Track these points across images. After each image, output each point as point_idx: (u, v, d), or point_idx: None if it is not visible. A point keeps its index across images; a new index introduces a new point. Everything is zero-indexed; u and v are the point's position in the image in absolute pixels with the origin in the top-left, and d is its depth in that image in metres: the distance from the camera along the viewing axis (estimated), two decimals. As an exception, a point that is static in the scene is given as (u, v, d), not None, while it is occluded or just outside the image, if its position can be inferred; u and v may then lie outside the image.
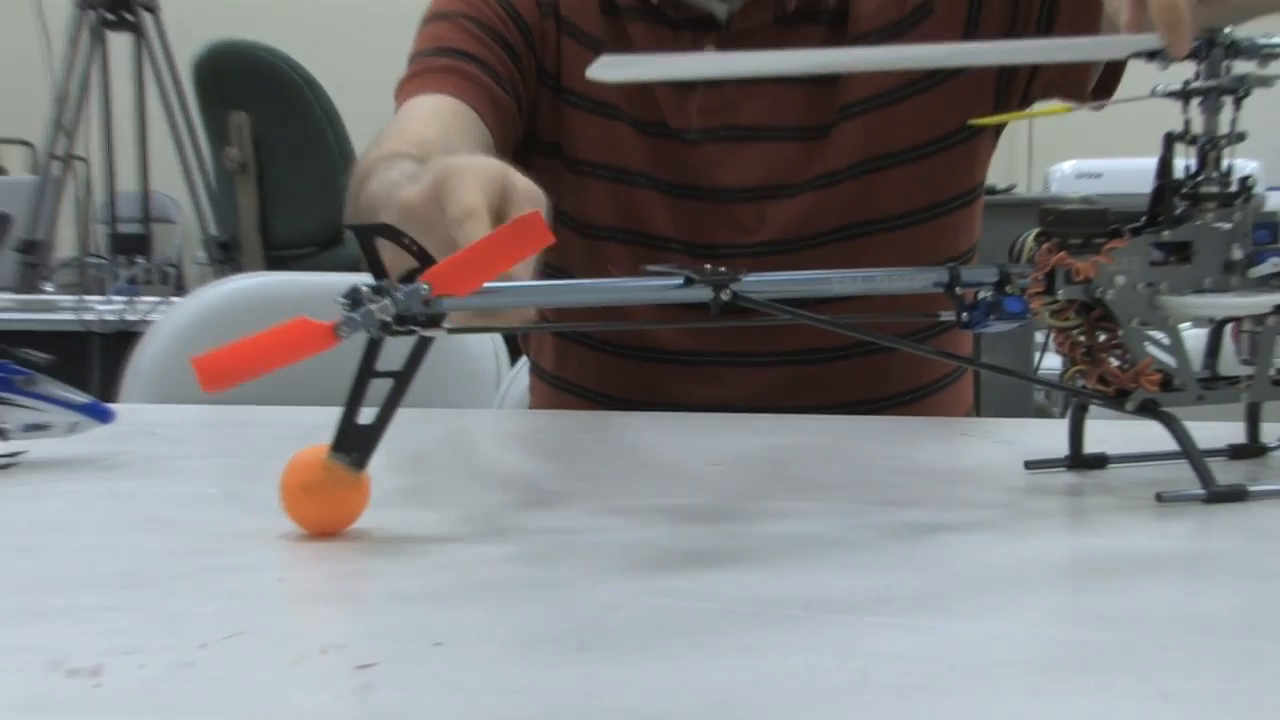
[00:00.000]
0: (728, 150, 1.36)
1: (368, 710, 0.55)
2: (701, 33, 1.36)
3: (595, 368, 1.42)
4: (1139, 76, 0.96)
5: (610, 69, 0.76)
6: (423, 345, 0.78)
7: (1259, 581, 0.74)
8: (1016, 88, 1.37)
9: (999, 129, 1.43)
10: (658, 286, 0.81)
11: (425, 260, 0.77)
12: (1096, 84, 1.32)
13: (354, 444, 0.77)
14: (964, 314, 0.86)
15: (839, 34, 1.35)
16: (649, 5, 1.37)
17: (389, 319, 0.76)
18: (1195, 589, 0.72)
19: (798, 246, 1.34)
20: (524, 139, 1.38)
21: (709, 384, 1.37)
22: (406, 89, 1.33)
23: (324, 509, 0.79)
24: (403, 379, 0.77)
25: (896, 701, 0.55)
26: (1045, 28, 1.31)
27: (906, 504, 0.89)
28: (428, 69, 1.33)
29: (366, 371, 0.77)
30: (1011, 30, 1.32)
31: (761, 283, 0.82)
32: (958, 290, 0.86)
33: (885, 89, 1.34)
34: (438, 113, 1.27)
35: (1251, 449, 0.98)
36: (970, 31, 1.34)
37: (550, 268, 1.35)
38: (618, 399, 1.39)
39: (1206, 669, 0.59)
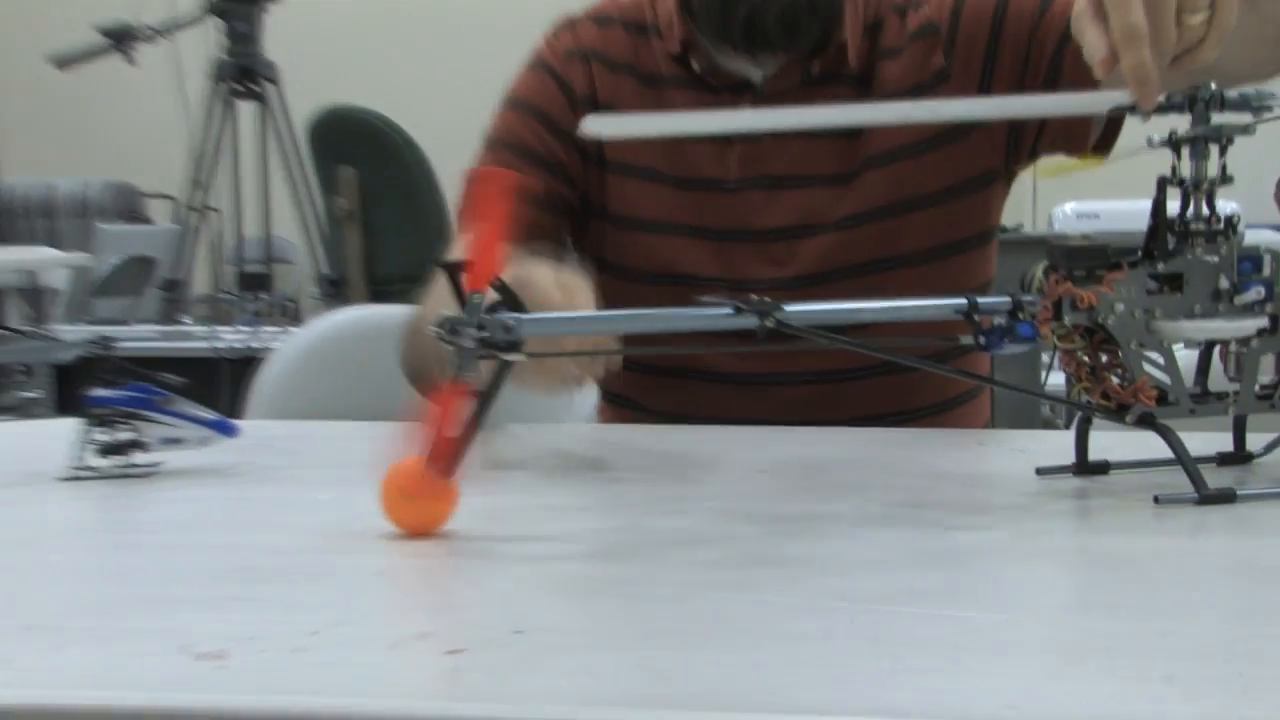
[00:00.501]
0: (764, 196, 1.35)
1: (457, 690, 0.54)
2: (738, 95, 1.35)
3: (648, 388, 1.42)
4: (1133, 126, 0.94)
5: (599, 126, 0.75)
6: (504, 368, 0.77)
7: (1247, 575, 0.73)
8: (1025, 143, 1.36)
9: (1010, 179, 1.41)
10: (710, 315, 0.80)
11: (506, 294, 0.77)
12: (1098, 139, 1.31)
13: (445, 455, 0.77)
14: (981, 338, 0.86)
15: (864, 95, 1.34)
16: (691, 74, 1.37)
17: (475, 345, 0.76)
18: (1190, 581, 0.71)
19: (826, 280, 1.33)
20: (581, 207, 1.39)
21: (749, 401, 1.36)
22: (459, 216, 1.37)
23: (419, 512, 0.79)
24: (486, 398, 0.77)
25: (925, 682, 0.54)
26: (1051, 87, 1.30)
27: (932, 506, 0.88)
28: None
29: (456, 391, 0.76)
30: (1019, 89, 1.31)
31: (801, 312, 0.81)
32: (976, 317, 0.85)
33: (904, 143, 1.33)
34: None
35: (1238, 456, 0.96)
36: (983, 94, 1.33)
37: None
38: (667, 414, 1.39)
39: (1202, 653, 0.58)
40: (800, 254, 1.34)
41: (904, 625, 0.61)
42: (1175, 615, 0.64)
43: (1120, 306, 0.85)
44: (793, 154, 1.34)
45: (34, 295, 5.58)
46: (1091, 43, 0.90)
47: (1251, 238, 0.89)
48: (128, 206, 6.67)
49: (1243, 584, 0.71)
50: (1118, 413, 0.87)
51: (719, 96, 1.35)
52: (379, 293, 3.66)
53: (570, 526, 0.87)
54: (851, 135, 1.33)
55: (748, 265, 1.35)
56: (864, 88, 1.34)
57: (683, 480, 1.00)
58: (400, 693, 0.54)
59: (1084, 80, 1.24)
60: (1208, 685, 0.54)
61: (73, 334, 3.12)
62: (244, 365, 2.64)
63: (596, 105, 1.38)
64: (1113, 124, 1.29)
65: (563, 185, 1.37)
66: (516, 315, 0.76)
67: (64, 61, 3.64)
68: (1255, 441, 0.97)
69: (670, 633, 0.61)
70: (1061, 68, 1.28)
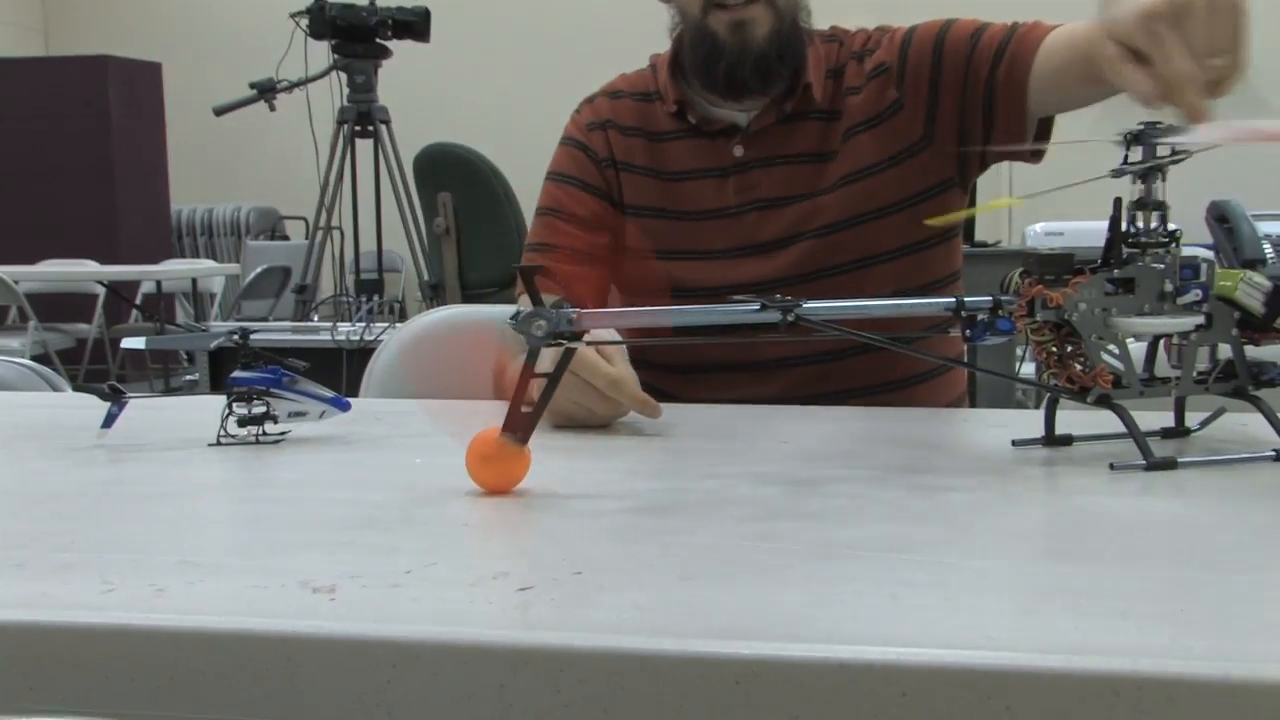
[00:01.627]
0: (759, 215, 1.35)
1: (526, 620, 0.54)
2: (729, 138, 1.37)
3: (682, 383, 1.41)
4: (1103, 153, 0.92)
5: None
6: (568, 354, 0.76)
7: (1187, 528, 0.71)
8: (972, 161, 1.35)
9: (965, 186, 1.39)
10: (740, 311, 0.79)
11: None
12: (1035, 136, 1.29)
13: (519, 425, 0.76)
14: (967, 331, 0.85)
15: (833, 127, 1.34)
16: (688, 125, 1.38)
17: (545, 334, 0.75)
18: (1140, 533, 0.70)
19: (815, 277, 1.34)
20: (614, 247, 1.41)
21: (763, 384, 1.36)
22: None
23: (497, 473, 0.78)
24: (553, 379, 0.76)
25: (919, 617, 0.53)
26: (988, 108, 1.28)
27: (924, 471, 0.86)
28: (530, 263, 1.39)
29: (528, 373, 0.75)
30: (960, 112, 1.29)
31: (817, 309, 0.79)
32: (964, 314, 0.84)
33: (868, 163, 1.33)
34: None
35: (1179, 431, 0.95)
36: (930, 117, 1.32)
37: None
38: (699, 401, 1.38)
39: (1150, 593, 0.57)
40: (789, 257, 1.34)
41: (901, 569, 0.60)
42: (1128, 561, 0.62)
43: (1083, 305, 0.84)
44: (776, 180, 1.35)
45: (197, 298, 5.66)
46: (1140, 87, 0.86)
47: (1188, 253, 0.87)
48: (270, 226, 6.74)
49: (1183, 535, 0.69)
50: (1080, 394, 0.86)
51: (714, 140, 1.39)
52: (470, 296, 3.69)
53: (622, 486, 0.86)
54: (823, 158, 1.34)
55: (744, 271, 1.34)
56: (831, 120, 1.35)
57: (716, 450, 0.99)
58: (479, 622, 0.53)
59: (1013, 95, 1.25)
60: (1155, 619, 0.53)
61: (223, 328, 3.14)
62: (359, 354, 2.66)
63: (615, 162, 1.42)
64: (1044, 123, 1.29)
65: (601, 235, 1.40)
66: (578, 309, 0.75)
67: (221, 110, 3.69)
68: (1192, 419, 0.95)
69: (706, 575, 0.60)
70: (995, 87, 1.28)
